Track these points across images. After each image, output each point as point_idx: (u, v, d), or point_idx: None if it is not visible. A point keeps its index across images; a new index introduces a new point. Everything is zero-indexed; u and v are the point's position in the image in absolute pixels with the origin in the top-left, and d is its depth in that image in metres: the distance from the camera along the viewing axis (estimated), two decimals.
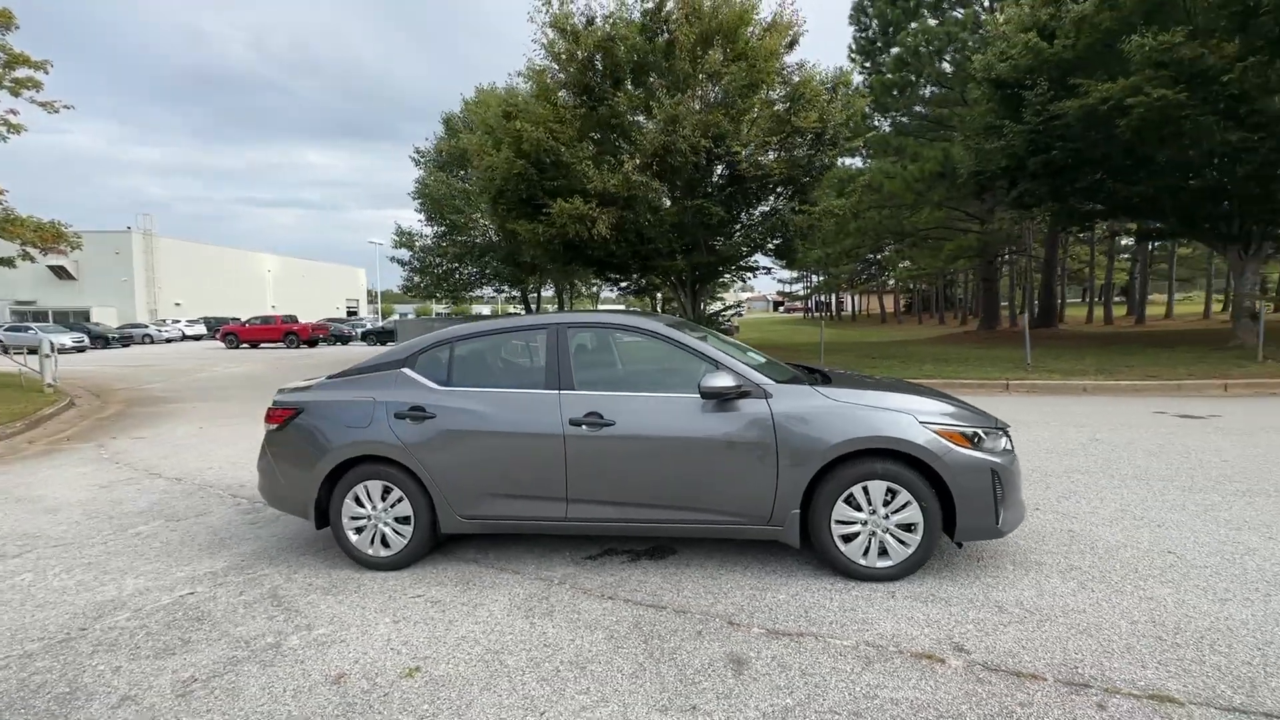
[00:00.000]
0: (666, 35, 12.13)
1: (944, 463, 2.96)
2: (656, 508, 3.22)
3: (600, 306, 47.67)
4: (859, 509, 3.05)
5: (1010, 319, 27.34)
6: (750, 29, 12.53)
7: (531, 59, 13.76)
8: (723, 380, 3.11)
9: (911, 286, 54.97)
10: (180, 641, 2.72)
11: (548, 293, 30.97)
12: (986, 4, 19.55)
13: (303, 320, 32.56)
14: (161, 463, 6.25)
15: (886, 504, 3.03)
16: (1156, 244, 29.73)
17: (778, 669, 2.35)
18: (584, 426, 3.22)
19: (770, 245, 13.87)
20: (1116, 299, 37.50)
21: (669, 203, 12.57)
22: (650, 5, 12.27)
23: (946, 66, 19.14)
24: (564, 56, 13.29)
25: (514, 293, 26.21)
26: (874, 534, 3.05)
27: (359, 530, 3.44)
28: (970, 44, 17.40)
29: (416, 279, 24.06)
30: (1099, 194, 13.06)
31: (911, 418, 3.06)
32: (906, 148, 18.74)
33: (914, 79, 20.30)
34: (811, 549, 3.23)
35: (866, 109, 13.46)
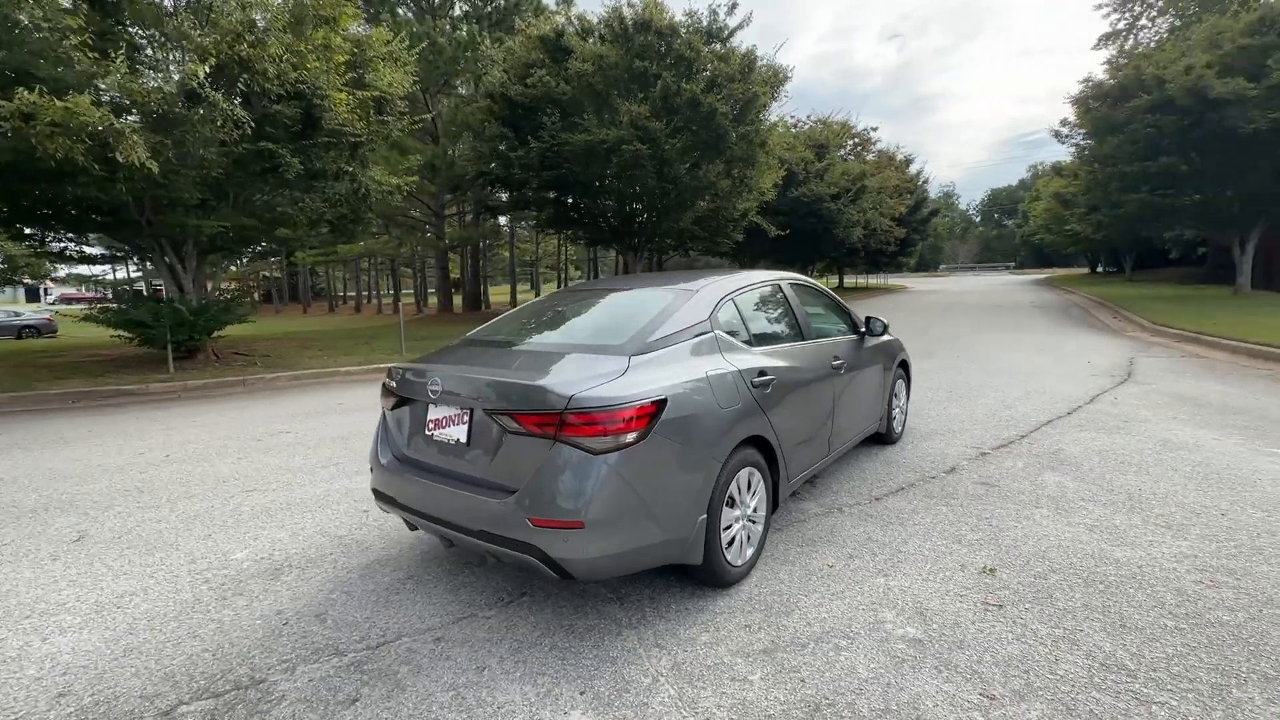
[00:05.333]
0: None
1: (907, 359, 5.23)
2: (854, 428, 4.14)
3: None
4: (897, 398, 4.96)
5: (447, 303, 31.10)
6: None
7: None
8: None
9: (269, 276, 52.33)
10: None
11: None
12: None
13: None
14: None
15: (904, 392, 5.07)
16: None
17: (1016, 486, 4.12)
18: (842, 370, 3.77)
19: (334, 215, 11.66)
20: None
21: (239, 135, 8.88)
22: None
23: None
24: None
25: None
26: (898, 411, 5.03)
27: (730, 542, 2.77)
28: (461, 59, 19.18)
29: None
30: (578, 209, 17.72)
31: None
32: (401, 141, 19.00)
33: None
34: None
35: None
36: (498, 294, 47.09)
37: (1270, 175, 17.06)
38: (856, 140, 37.98)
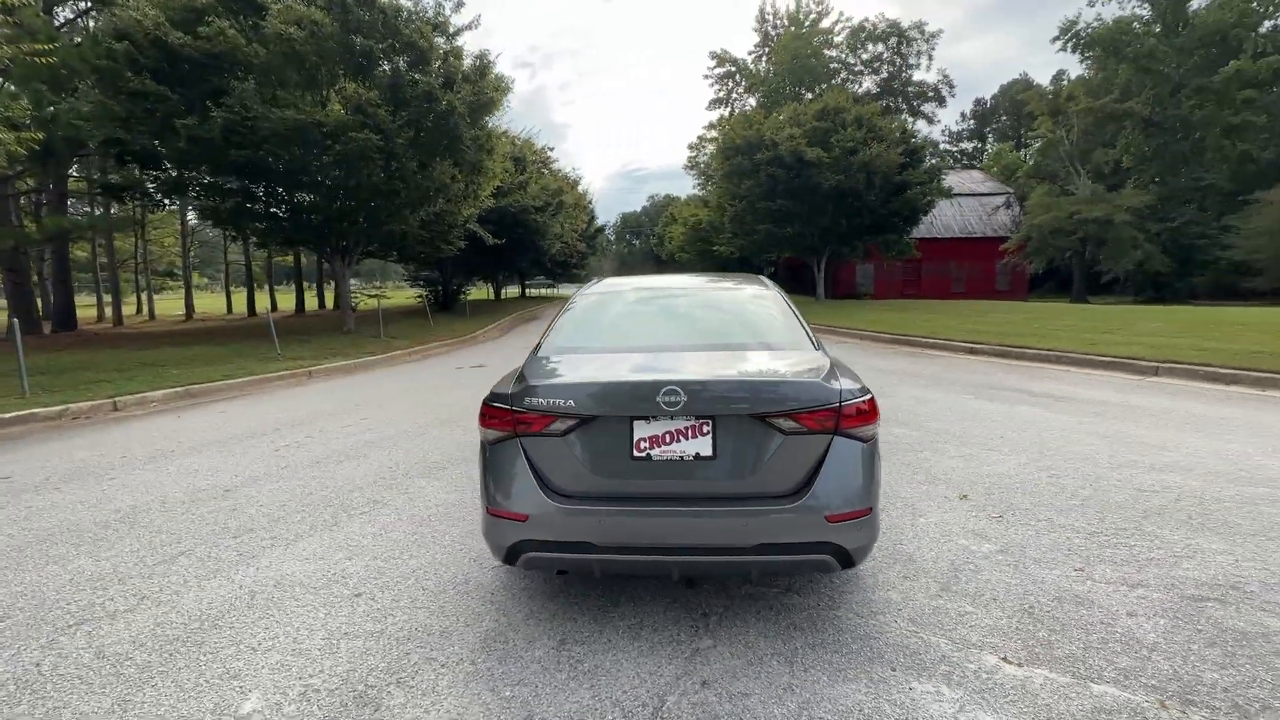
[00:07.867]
0: None
1: None
2: None
3: None
4: None
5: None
6: None
7: None
8: None
9: None
10: None
11: None
12: None
13: None
14: None
15: None
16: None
17: (891, 440, 5.40)
18: None
19: None
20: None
21: None
22: None
23: None
24: None
25: None
26: None
27: None
28: None
29: None
30: (269, 201, 14.21)
31: None
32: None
33: None
34: None
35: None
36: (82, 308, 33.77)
37: (832, 219, 24.88)
38: (537, 158, 40.19)
